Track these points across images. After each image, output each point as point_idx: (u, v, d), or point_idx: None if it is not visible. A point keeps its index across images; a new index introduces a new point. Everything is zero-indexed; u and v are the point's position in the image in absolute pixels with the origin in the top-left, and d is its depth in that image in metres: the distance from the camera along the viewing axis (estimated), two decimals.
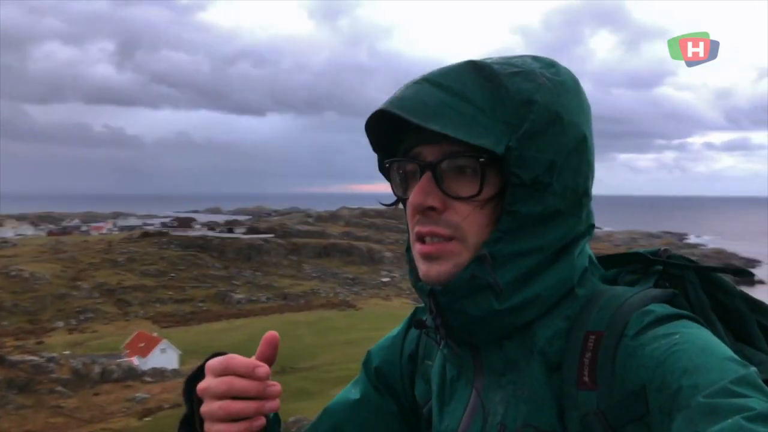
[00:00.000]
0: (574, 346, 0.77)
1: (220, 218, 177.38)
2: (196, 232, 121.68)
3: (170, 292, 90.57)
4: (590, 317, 0.78)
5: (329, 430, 1.04)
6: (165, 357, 58.47)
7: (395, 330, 1.07)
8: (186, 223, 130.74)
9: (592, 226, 0.85)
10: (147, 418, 43.67)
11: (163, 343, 59.15)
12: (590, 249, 0.88)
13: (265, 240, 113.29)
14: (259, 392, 0.77)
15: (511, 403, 0.81)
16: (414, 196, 0.80)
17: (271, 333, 0.82)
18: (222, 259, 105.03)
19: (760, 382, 0.64)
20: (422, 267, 0.82)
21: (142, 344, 59.26)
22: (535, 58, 0.83)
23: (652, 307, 0.76)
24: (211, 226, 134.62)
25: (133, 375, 53.40)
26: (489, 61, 0.81)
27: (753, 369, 0.65)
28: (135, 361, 56.22)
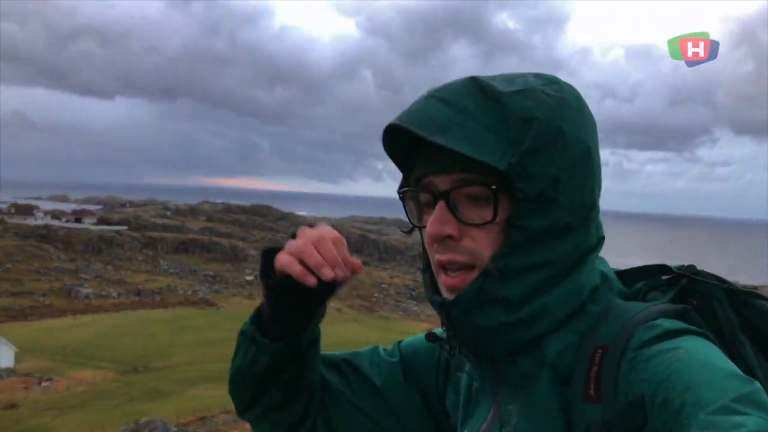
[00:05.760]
0: (583, 360, 0.78)
1: (67, 207, 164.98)
2: (39, 221, 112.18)
3: (6, 285, 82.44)
4: (600, 331, 0.79)
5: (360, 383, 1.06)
6: None
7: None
8: (26, 210, 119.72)
9: (602, 239, 0.86)
10: None
11: None
12: (608, 265, 0.89)
13: (118, 232, 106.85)
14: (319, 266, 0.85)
15: (522, 415, 0.83)
16: (431, 227, 0.82)
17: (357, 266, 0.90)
18: (68, 251, 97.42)
19: (764, 398, 0.63)
20: (449, 296, 0.84)
21: None
22: (537, 76, 0.84)
23: (659, 321, 0.76)
24: (56, 215, 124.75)
25: None
26: (491, 79, 0.82)
27: (757, 385, 0.65)
28: None
